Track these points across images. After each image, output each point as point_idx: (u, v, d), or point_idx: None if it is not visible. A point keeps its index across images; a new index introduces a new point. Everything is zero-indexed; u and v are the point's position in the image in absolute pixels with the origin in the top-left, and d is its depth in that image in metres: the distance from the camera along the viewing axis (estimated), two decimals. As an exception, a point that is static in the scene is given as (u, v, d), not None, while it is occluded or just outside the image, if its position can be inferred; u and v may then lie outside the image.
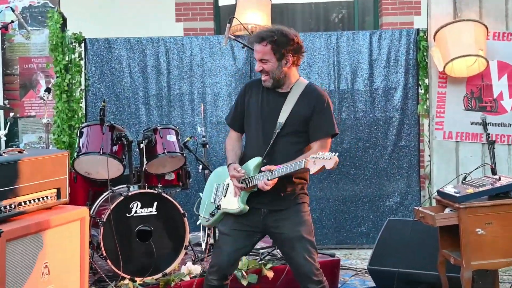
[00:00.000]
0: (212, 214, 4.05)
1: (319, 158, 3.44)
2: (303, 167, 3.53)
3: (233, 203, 3.89)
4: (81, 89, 7.36)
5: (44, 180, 3.97)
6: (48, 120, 5.70)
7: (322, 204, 7.33)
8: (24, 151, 4.04)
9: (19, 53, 7.39)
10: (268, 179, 3.65)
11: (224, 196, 3.99)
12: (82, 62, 7.37)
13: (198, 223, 5.10)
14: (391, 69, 7.39)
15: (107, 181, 5.17)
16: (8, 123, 6.38)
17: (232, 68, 7.45)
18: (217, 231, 5.63)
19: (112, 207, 4.90)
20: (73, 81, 7.28)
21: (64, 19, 7.30)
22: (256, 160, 3.85)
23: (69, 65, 7.27)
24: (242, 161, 3.98)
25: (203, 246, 5.82)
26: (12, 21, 6.86)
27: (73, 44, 7.30)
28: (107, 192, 5.23)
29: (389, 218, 5.77)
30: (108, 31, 7.90)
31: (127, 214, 4.98)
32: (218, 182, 4.11)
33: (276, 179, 3.66)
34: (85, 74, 7.38)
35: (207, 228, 5.81)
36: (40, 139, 7.40)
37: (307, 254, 3.83)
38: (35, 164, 3.89)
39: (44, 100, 5.60)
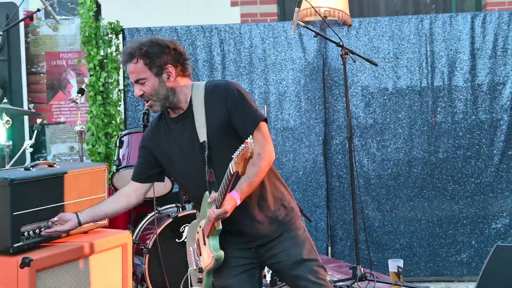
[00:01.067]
0: (199, 281, 3.75)
1: (238, 153, 3.10)
2: (232, 173, 3.19)
3: (206, 257, 3.65)
4: (119, 90, 7.06)
5: (79, 200, 3.99)
6: (81, 128, 5.68)
7: (413, 227, 6.75)
8: (54, 165, 4.05)
9: (45, 48, 7.01)
10: (216, 207, 3.34)
11: (200, 254, 3.76)
12: (120, 57, 6.55)
13: None
14: (498, 60, 6.74)
15: (152, 200, 5.05)
16: (35, 131, 6.12)
17: (301, 61, 6.92)
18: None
19: (158, 231, 4.98)
20: (110, 80, 6.97)
21: (98, 6, 7.02)
22: (206, 197, 3.60)
23: (105, 60, 6.97)
24: (198, 207, 3.81)
25: (268, 278, 5.45)
26: (38, 10, 6.31)
27: (109, 35, 7.00)
28: (153, 213, 5.27)
29: (497, 244, 4.91)
30: (150, 19, 7.71)
31: (176, 240, 5.10)
32: (191, 245, 3.87)
33: (238, 202, 3.37)
34: (124, 72, 6.99)
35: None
36: (72, 149, 7.19)
37: (314, 276, 3.63)
38: (68, 180, 3.92)
39: (76, 103, 5.61)
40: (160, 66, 3.56)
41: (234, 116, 3.58)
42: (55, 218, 3.80)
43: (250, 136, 3.15)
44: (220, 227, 3.49)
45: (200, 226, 3.72)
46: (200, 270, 3.71)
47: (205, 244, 3.65)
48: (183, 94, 3.64)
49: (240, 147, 3.10)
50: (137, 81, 3.60)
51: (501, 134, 6.67)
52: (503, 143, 6.66)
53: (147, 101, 3.65)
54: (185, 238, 4.69)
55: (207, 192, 3.57)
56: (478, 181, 6.67)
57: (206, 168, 3.55)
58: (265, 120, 3.62)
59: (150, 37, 3.69)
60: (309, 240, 3.73)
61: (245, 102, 3.63)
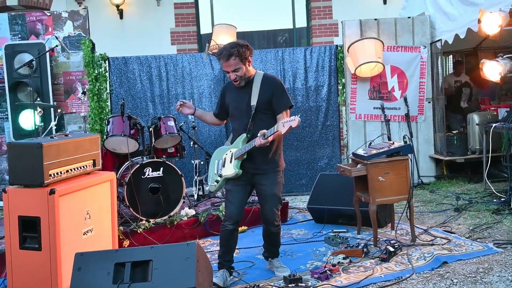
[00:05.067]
0: (217, 181, 3.86)
1: (286, 121, 3.33)
2: (276, 130, 3.39)
3: (229, 169, 3.74)
4: (107, 93, 7.31)
5: (83, 154, 3.94)
6: (85, 114, 5.62)
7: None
8: (69, 135, 4.06)
9: (62, 69, 7.20)
10: (264, 138, 3.46)
11: (223, 167, 3.82)
12: (107, 74, 7.31)
13: (207, 189, 5.38)
14: (319, 73, 7.37)
15: (127, 155, 5.17)
16: (57, 117, 6.33)
17: (211, 75, 7.40)
18: (204, 187, 5.83)
19: (131, 172, 4.88)
20: (101, 87, 7.25)
21: (93, 44, 7.26)
22: (242, 136, 3.72)
23: (98, 76, 7.23)
24: (233, 139, 3.84)
25: (195, 196, 5.83)
26: (56, 46, 6.82)
27: (100, 61, 7.25)
28: (128, 162, 5.22)
29: (320, 173, 5.79)
30: (124, 52, 7.83)
31: (142, 176, 4.93)
32: (218, 158, 3.92)
33: (270, 138, 3.46)
34: (109, 82, 7.32)
35: (197, 184, 5.85)
36: (80, 128, 7.22)
37: (275, 207, 3.79)
38: (77, 143, 3.87)
39: (82, 100, 5.51)
40: (246, 58, 3.67)
41: (275, 96, 3.68)
42: (184, 101, 3.98)
43: (298, 120, 3.31)
44: (245, 157, 3.68)
45: (230, 151, 3.79)
46: (219, 176, 3.83)
47: (230, 162, 3.74)
48: (251, 75, 3.74)
49: (292, 118, 3.32)
50: (233, 71, 3.65)
51: (322, 113, 7.28)
52: (323, 118, 7.29)
53: (237, 82, 3.72)
54: (147, 175, 4.88)
55: (244, 134, 3.71)
56: (310, 139, 7.29)
57: (249, 121, 3.68)
58: (291, 107, 3.75)
59: (235, 41, 3.77)
60: (281, 185, 3.82)
61: (283, 91, 3.73)
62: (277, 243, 4.02)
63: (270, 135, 3.46)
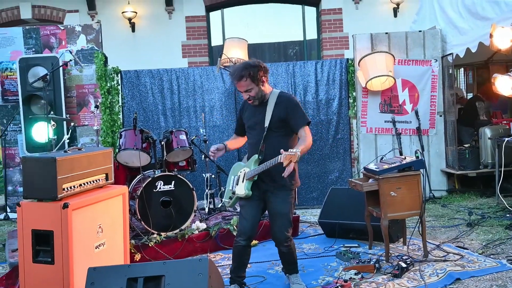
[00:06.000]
0: (230, 198, 3.86)
1: (289, 153, 3.25)
2: (278, 162, 3.34)
3: (241, 189, 3.73)
4: (119, 106, 7.34)
5: (96, 168, 3.94)
6: (97, 127, 5.66)
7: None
8: (82, 149, 4.03)
9: (75, 82, 7.24)
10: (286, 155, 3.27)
11: (237, 185, 3.81)
12: (119, 87, 7.35)
13: (220, 205, 5.50)
14: (330, 86, 7.38)
15: (139, 168, 5.17)
16: (70, 130, 6.35)
17: (222, 88, 7.42)
18: (216, 200, 5.87)
19: (143, 185, 4.88)
20: (113, 100, 7.31)
21: (106, 58, 7.33)
22: (254, 157, 3.70)
23: (110, 89, 7.29)
24: (249, 156, 3.82)
25: (206, 210, 5.82)
26: (70, 60, 6.86)
27: (112, 74, 7.30)
28: (140, 175, 5.23)
29: (331, 187, 5.76)
30: (136, 65, 7.89)
31: (153, 190, 4.93)
32: (234, 174, 3.91)
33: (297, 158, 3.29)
34: (122, 95, 7.35)
35: (208, 197, 5.84)
36: (92, 140, 7.28)
37: (284, 227, 3.72)
38: (90, 157, 3.88)
39: (94, 113, 5.55)
40: (259, 79, 3.64)
41: (290, 115, 3.62)
42: (215, 148, 3.86)
43: (299, 152, 3.24)
44: (256, 178, 3.66)
45: (244, 170, 3.76)
46: (233, 193, 3.81)
47: (243, 181, 3.73)
48: (266, 94, 3.72)
49: (291, 151, 3.24)
50: (245, 91, 3.66)
51: (332, 126, 7.29)
52: (333, 132, 7.29)
53: (251, 100, 3.71)
54: (159, 189, 4.89)
55: (256, 155, 3.68)
56: (321, 153, 7.27)
57: (262, 142, 3.65)
58: (308, 123, 3.65)
59: (247, 62, 3.73)
60: (292, 205, 3.75)
61: (299, 109, 3.66)
62: (291, 261, 3.94)
63: (272, 165, 3.44)
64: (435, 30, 7.30)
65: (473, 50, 6.46)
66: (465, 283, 3.86)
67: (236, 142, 4.09)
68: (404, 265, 4.13)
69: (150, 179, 4.91)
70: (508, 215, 5.72)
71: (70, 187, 3.61)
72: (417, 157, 4.51)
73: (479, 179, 7.27)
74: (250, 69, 3.63)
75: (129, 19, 10.80)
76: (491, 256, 4.45)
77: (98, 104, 7.00)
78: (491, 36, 5.60)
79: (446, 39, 7.19)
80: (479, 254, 4.53)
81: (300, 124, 3.63)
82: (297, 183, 3.80)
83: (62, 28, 7.37)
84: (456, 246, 4.80)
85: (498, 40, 5.58)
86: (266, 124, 3.66)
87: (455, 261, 4.32)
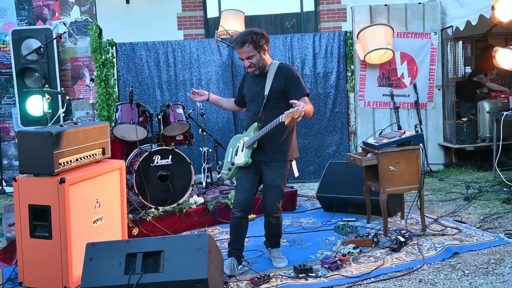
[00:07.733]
0: (229, 169, 3.88)
1: (290, 111, 3.22)
2: (280, 121, 3.34)
3: (241, 158, 3.74)
4: (114, 79, 7.25)
5: (93, 143, 3.93)
6: (93, 101, 5.59)
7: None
8: (78, 123, 4.00)
9: (70, 54, 7.17)
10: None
11: (236, 155, 3.83)
12: (114, 60, 7.26)
13: (219, 176, 5.45)
14: (328, 59, 7.30)
15: (136, 142, 5.14)
16: (65, 104, 6.23)
17: (218, 61, 7.32)
18: (213, 174, 5.85)
19: (140, 159, 4.85)
20: (109, 73, 7.19)
21: (100, 30, 7.21)
22: (254, 125, 3.72)
23: (105, 62, 7.19)
24: (247, 127, 3.83)
25: (204, 184, 5.80)
26: (64, 32, 6.76)
27: (107, 47, 7.20)
28: (137, 149, 5.21)
29: (330, 162, 5.74)
30: (131, 38, 7.72)
31: (151, 164, 4.91)
32: (233, 146, 3.93)
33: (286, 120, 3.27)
34: (117, 68, 7.26)
35: (206, 171, 5.82)
36: (87, 114, 7.22)
37: (276, 199, 3.75)
38: (86, 131, 3.86)
39: (90, 87, 5.54)
40: (261, 46, 3.62)
41: (290, 86, 3.62)
42: (196, 90, 3.97)
43: (302, 104, 3.23)
44: (255, 145, 3.67)
45: (243, 139, 3.80)
46: (232, 164, 3.84)
47: (242, 150, 3.75)
48: (267, 64, 3.70)
49: (292, 109, 3.19)
50: (247, 58, 3.62)
51: (330, 100, 7.25)
52: (331, 105, 7.25)
53: (251, 68, 3.68)
54: (156, 163, 4.85)
55: (256, 123, 3.70)
56: (318, 126, 7.24)
57: (261, 110, 3.67)
58: (307, 95, 3.64)
59: (251, 29, 3.69)
60: (286, 177, 3.77)
61: (298, 80, 3.65)
62: (277, 234, 3.97)
63: (273, 126, 3.45)
64: (435, 2, 7.20)
65: (474, 23, 6.37)
66: (463, 257, 3.87)
67: (226, 102, 4.14)
68: (402, 239, 4.14)
69: (147, 153, 4.88)
70: (505, 189, 5.73)
71: (67, 162, 3.60)
72: (417, 131, 4.48)
73: (477, 153, 7.27)
74: (253, 35, 3.60)
75: (123, -10, 10.54)
76: (489, 230, 4.46)
77: (93, 77, 6.93)
78: (492, 8, 5.51)
79: (446, 11, 7.09)
80: (477, 228, 4.54)
81: (299, 95, 3.59)
82: (293, 154, 3.79)
83: (55, -1, 7.22)
84: (454, 220, 4.81)
85: (500, 12, 5.48)
86: (266, 92, 3.66)
87: (453, 235, 4.33)
